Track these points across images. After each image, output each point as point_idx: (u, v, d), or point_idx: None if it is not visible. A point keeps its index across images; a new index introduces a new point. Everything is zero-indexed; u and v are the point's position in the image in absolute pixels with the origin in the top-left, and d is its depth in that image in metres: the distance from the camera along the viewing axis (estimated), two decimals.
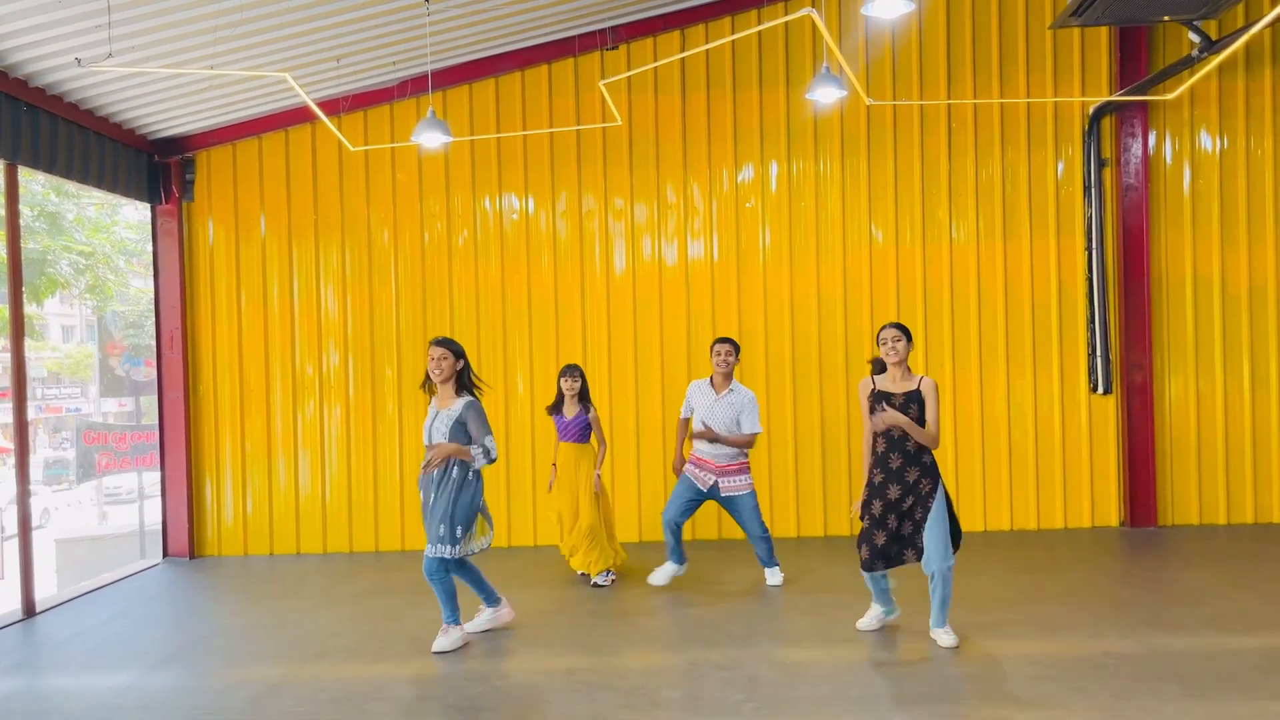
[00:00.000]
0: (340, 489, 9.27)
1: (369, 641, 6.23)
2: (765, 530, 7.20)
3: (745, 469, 7.11)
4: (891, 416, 5.41)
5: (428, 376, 5.86)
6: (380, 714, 4.92)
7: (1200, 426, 9.23)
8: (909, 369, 5.63)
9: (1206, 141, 9.22)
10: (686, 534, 8.71)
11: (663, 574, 7.23)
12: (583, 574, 7.57)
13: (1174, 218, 9.23)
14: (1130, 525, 9.13)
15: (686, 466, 7.20)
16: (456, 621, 5.90)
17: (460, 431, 5.68)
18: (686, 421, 7.29)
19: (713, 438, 6.98)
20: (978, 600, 6.70)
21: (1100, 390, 9.17)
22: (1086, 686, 4.92)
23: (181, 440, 9.22)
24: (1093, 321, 9.15)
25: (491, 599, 6.24)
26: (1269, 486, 9.19)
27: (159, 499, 9.50)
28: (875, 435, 5.57)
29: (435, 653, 5.80)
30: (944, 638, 5.63)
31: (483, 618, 6.26)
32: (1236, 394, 9.21)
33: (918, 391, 5.52)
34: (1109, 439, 9.24)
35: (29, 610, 7.26)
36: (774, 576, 7.31)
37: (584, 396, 7.48)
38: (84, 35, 6.61)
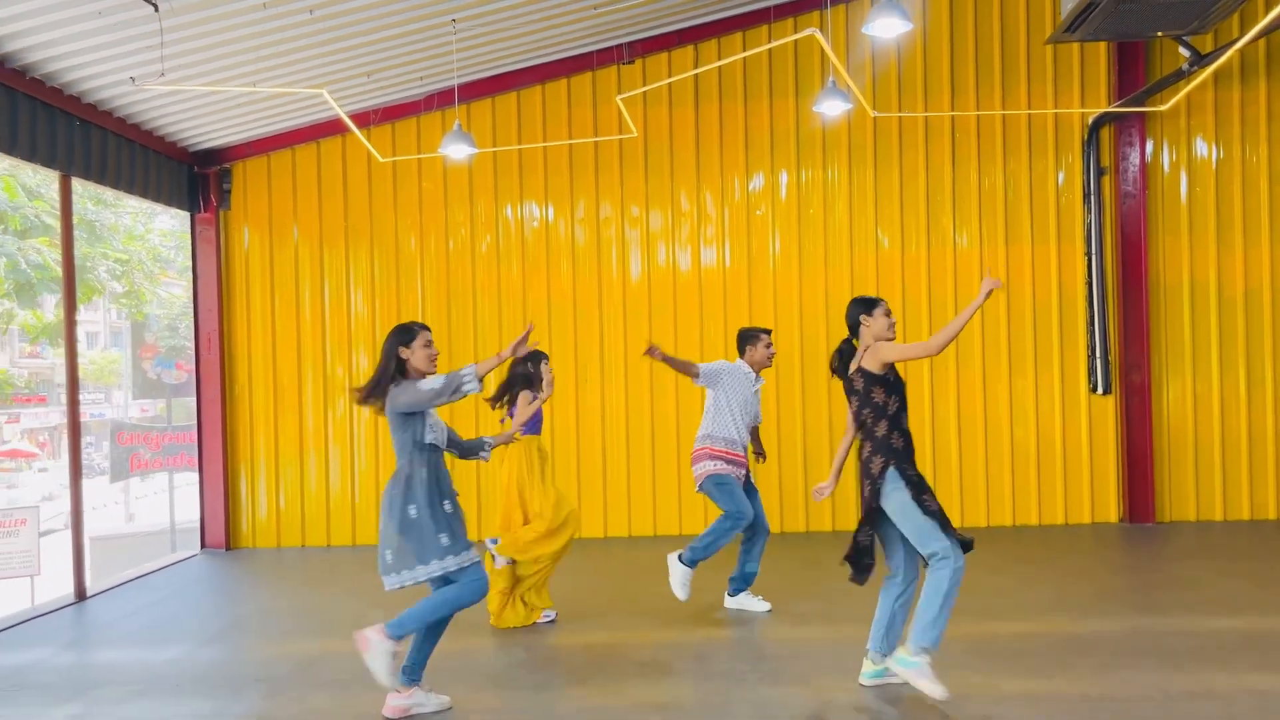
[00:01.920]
0: (369, 484, 9.69)
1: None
2: (706, 537, 6.26)
3: (703, 456, 6.39)
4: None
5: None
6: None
7: (1197, 425, 9.54)
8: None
9: (1203, 150, 9.55)
10: (695, 527, 9.07)
11: (744, 600, 6.56)
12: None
13: (1171, 224, 9.55)
14: (1129, 521, 9.45)
15: (726, 467, 6.34)
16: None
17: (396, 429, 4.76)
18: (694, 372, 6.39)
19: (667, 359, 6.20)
20: (974, 588, 7.00)
21: (1100, 391, 9.49)
22: (1071, 660, 5.28)
23: (218, 437, 9.67)
24: (1092, 324, 9.48)
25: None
26: (1264, 483, 9.49)
27: (197, 494, 9.93)
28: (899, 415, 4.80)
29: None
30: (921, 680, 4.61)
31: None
32: (1232, 394, 9.52)
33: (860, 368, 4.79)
34: (1108, 438, 9.56)
35: (80, 594, 7.72)
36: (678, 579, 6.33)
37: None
38: (136, 55, 7.08)
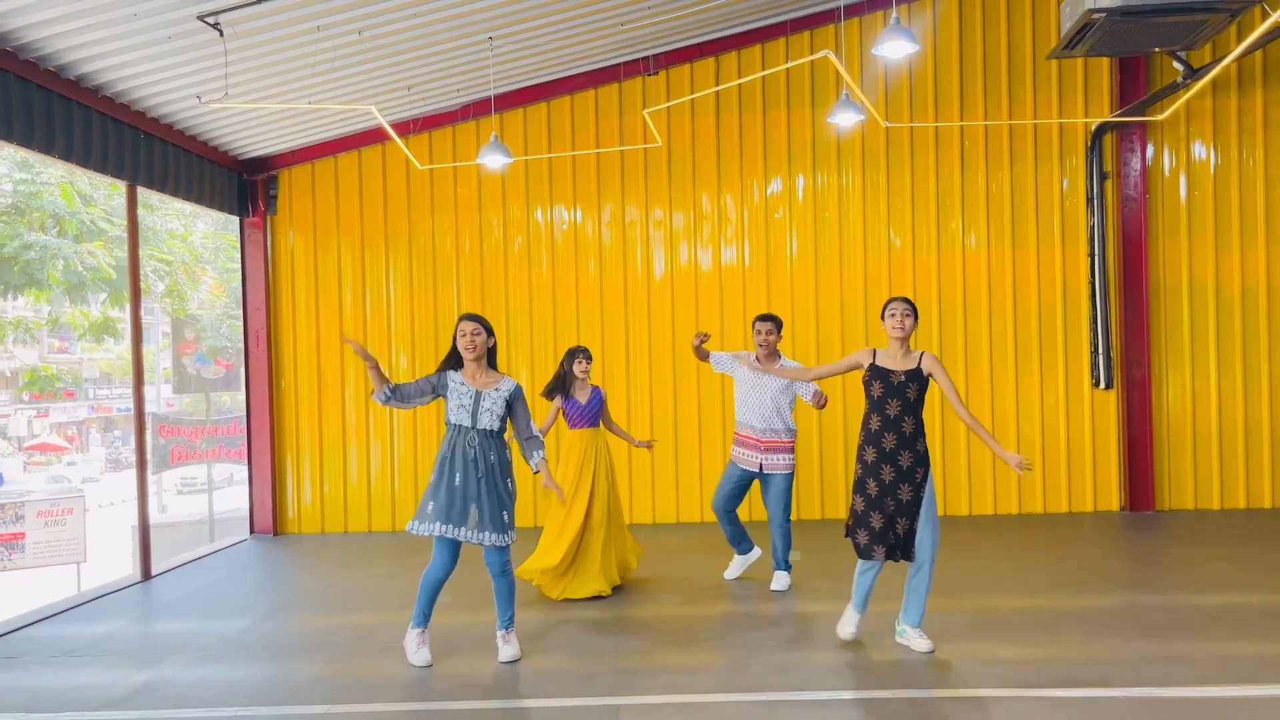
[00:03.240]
0: (407, 473, 10.27)
1: (442, 598, 7.13)
2: (788, 518, 6.98)
3: (791, 448, 6.94)
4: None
5: (451, 355, 5.57)
6: (462, 647, 5.89)
7: (1196, 418, 9.99)
8: (909, 346, 5.44)
9: (1201, 156, 9.99)
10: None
11: (736, 566, 7.35)
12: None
13: (1171, 226, 10.00)
14: (1130, 510, 9.91)
15: (733, 452, 7.07)
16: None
17: (507, 413, 5.53)
18: (711, 357, 7.00)
19: (783, 373, 6.45)
20: (978, 568, 7.56)
21: (1102, 385, 9.95)
22: (1061, 630, 5.79)
23: (266, 429, 10.26)
24: (1095, 322, 9.93)
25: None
26: (1260, 473, 9.93)
27: (246, 483, 10.54)
28: (870, 412, 5.42)
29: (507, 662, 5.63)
30: (919, 641, 5.49)
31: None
32: (1230, 388, 9.96)
33: (918, 370, 5.34)
34: (1110, 430, 10.03)
35: (146, 574, 8.33)
36: (780, 581, 7.07)
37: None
38: (199, 74, 7.65)
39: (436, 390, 5.53)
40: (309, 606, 7.26)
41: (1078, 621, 5.97)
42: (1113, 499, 10.03)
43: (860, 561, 5.50)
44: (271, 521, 10.28)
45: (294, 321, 10.37)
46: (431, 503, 5.46)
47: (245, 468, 10.49)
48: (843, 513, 10.04)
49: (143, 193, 8.88)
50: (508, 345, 10.17)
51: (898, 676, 5.14)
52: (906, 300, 5.45)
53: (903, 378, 5.36)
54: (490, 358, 5.58)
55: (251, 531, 10.32)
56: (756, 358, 6.86)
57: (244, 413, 10.52)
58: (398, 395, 5.50)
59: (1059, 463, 10.03)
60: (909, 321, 5.37)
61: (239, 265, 10.50)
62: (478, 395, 5.47)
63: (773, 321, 6.89)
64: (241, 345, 10.55)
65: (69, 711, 5.06)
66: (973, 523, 9.69)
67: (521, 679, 5.32)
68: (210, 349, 16.19)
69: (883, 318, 5.44)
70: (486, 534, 5.46)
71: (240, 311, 10.62)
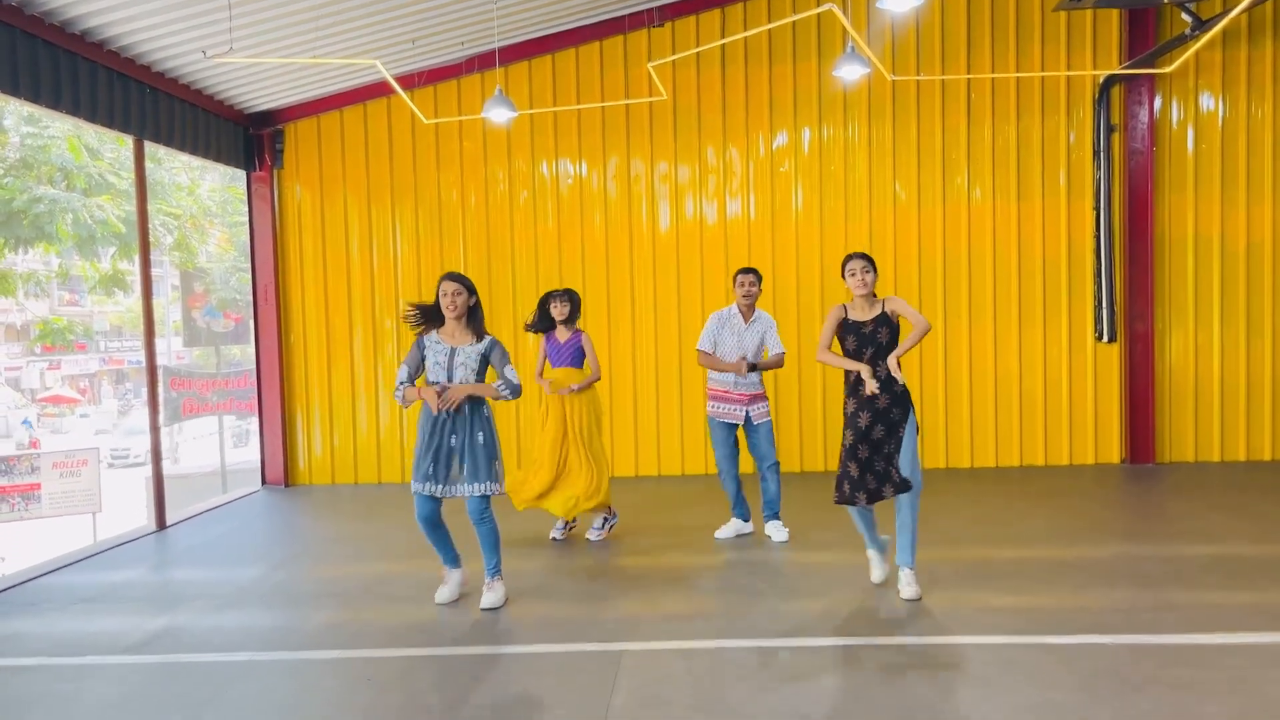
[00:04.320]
0: (415, 426, 10.36)
1: None
2: (776, 458, 7.16)
3: (765, 396, 7.14)
4: (881, 375, 5.48)
5: (431, 312, 5.69)
6: (470, 594, 6.02)
7: (1198, 372, 10.04)
8: (875, 295, 5.64)
9: (1210, 107, 9.93)
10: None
11: (730, 529, 7.34)
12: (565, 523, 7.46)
13: (1177, 180, 9.97)
14: (1130, 462, 10.01)
15: (712, 408, 7.14)
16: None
17: (484, 368, 5.67)
18: (707, 353, 7.12)
19: (755, 367, 6.95)
20: (977, 519, 7.68)
21: (1105, 339, 9.99)
22: (1055, 580, 5.91)
23: (276, 383, 10.39)
24: (1099, 276, 9.95)
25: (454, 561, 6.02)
26: (1261, 427, 10.00)
27: (257, 436, 10.70)
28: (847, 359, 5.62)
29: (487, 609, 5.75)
30: (908, 588, 5.60)
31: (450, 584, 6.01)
32: (1233, 342, 10.00)
33: (884, 314, 5.55)
34: (1112, 383, 10.09)
35: (161, 524, 8.50)
36: (781, 532, 7.17)
37: (573, 320, 7.32)
38: (204, 27, 7.66)
39: (422, 354, 5.70)
40: (320, 556, 7.43)
41: (1072, 571, 6.09)
42: (1114, 451, 10.12)
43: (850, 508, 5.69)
44: (283, 473, 10.45)
45: (302, 275, 10.44)
46: (418, 462, 5.79)
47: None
48: (821, 465, 10.15)
49: (150, 147, 8.93)
50: (513, 297, 10.24)
51: (891, 623, 5.27)
52: (863, 255, 5.64)
53: (872, 325, 5.57)
54: (472, 318, 5.68)
55: (263, 483, 10.49)
56: (740, 306, 7.08)
57: (254, 365, 10.65)
58: (410, 381, 5.73)
59: (1061, 415, 10.11)
60: (869, 276, 5.58)
61: (247, 219, 10.56)
62: (453, 352, 5.63)
63: (756, 274, 7.12)
64: (250, 298, 10.65)
65: (89, 656, 5.23)
66: (974, 475, 9.80)
67: (527, 625, 5.47)
68: (220, 302, 16.34)
69: (844, 276, 5.64)
70: (466, 485, 5.69)
71: (249, 264, 10.70)
